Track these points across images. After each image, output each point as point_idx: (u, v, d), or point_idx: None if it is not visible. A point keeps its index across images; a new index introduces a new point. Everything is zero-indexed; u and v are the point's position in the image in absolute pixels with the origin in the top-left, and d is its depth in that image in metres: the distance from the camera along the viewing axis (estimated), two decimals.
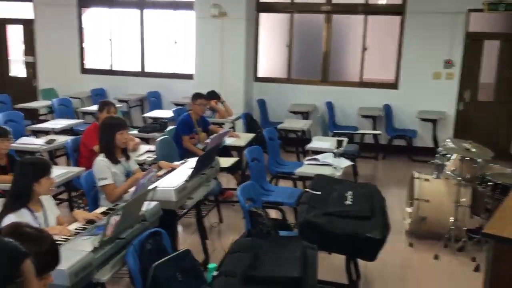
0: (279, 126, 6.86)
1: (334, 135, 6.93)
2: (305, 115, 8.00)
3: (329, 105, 8.07)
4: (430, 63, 7.84)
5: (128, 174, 3.64)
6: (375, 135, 7.80)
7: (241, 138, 5.76)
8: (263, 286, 2.24)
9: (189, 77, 8.45)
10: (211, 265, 2.65)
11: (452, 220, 4.40)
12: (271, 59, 8.79)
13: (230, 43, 7.94)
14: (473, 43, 7.73)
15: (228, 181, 6.11)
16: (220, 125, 6.73)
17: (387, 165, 7.63)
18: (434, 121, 7.77)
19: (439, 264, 4.26)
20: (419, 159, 7.48)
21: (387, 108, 7.97)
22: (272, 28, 8.76)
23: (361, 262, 3.87)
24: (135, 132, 5.79)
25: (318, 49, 8.38)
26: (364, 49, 8.14)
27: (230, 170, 5.34)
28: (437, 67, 7.83)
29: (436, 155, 4.83)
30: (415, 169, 5.26)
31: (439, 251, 4.37)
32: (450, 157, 4.64)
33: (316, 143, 5.62)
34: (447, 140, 4.91)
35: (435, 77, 7.86)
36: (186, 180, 3.36)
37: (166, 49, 9.00)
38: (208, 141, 5.08)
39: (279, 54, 8.62)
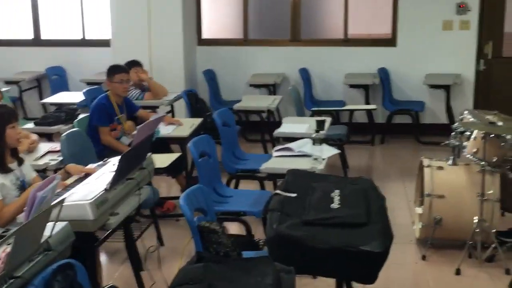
0: (236, 106, 6.86)
1: (313, 114, 6.98)
2: (271, 88, 8.04)
3: (304, 73, 8.14)
4: (437, 9, 8.01)
5: (22, 186, 3.57)
6: (369, 111, 7.92)
7: (183, 125, 5.73)
8: None
9: (104, 43, 8.34)
10: None
11: (477, 221, 4.51)
12: (220, 14, 8.76)
13: None
14: None
15: (169, 187, 6.08)
16: (153, 109, 6.67)
17: (388, 151, 7.77)
18: (447, 88, 7.95)
19: (463, 280, 4.37)
20: (430, 140, 7.64)
21: (384, 74, 8.11)
22: None
23: (357, 286, 3.93)
24: (30, 125, 5.67)
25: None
26: None
27: (170, 171, 5.31)
28: (448, 13, 8.02)
29: (452, 133, 4.93)
30: (425, 155, 5.36)
31: (462, 263, 4.48)
32: (470, 135, 4.74)
33: (288, 126, 5.65)
34: (465, 112, 5.02)
35: (445, 27, 8.04)
36: (105, 189, 3.31)
37: (69, 6, 8.83)
38: (136, 132, 5.03)
39: (232, 7, 8.60)
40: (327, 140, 5.94)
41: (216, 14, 8.74)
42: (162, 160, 4.65)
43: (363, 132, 7.99)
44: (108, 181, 3.38)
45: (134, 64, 6.65)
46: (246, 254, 3.45)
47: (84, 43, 8.80)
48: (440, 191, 4.70)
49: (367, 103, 8.04)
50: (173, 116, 6.89)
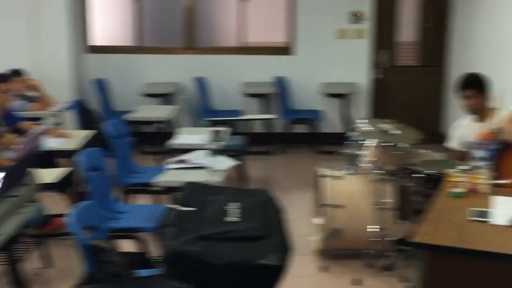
0: (129, 117, 6.74)
1: (210, 124, 6.98)
2: (166, 98, 7.96)
3: (200, 82, 8.11)
4: (332, 18, 8.24)
5: None
6: (267, 121, 7.99)
7: (72, 138, 5.57)
8: None
9: None
10: None
11: (375, 230, 4.65)
12: (110, 19, 8.60)
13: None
14: None
15: (56, 204, 5.86)
16: (37, 120, 6.42)
17: (287, 162, 7.87)
18: (343, 97, 8.18)
19: None
20: (329, 150, 7.80)
21: (281, 82, 8.22)
22: None
23: None
24: None
25: (177, 4, 8.38)
26: (243, 0, 8.30)
27: (58, 186, 5.13)
28: (342, 22, 8.25)
29: (347, 142, 5.05)
30: (324, 164, 5.47)
31: (361, 273, 4.60)
32: (366, 144, 4.88)
33: (184, 137, 5.61)
34: (360, 121, 5.16)
35: (340, 35, 8.27)
36: None
37: None
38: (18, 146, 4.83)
39: (124, 13, 8.46)
40: (224, 151, 5.96)
41: (108, 21, 8.55)
42: (50, 175, 4.50)
43: (261, 142, 8.05)
44: None
45: (17, 73, 6.41)
46: (141, 272, 3.39)
47: None
48: (339, 201, 4.80)
49: (264, 112, 8.11)
50: (62, 128, 6.67)
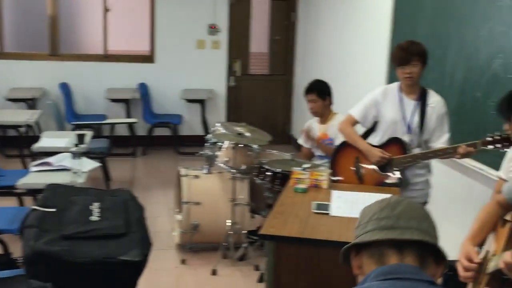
0: None
1: (75, 128, 6.75)
2: (30, 103, 7.58)
3: (65, 88, 7.81)
4: (191, 29, 8.25)
5: None
6: (130, 125, 7.87)
7: None
8: None
9: None
10: None
11: (230, 224, 4.71)
12: None
13: None
14: (240, 3, 8.39)
15: None
16: None
17: (149, 163, 7.79)
18: (202, 102, 8.22)
19: (218, 280, 4.52)
20: (188, 151, 7.81)
21: (143, 88, 8.13)
22: None
23: None
24: None
25: (41, 11, 8.00)
26: (106, 10, 8.10)
27: None
28: (201, 34, 8.29)
29: (205, 144, 5.08)
30: (183, 165, 5.47)
31: (218, 264, 4.64)
32: (222, 145, 4.93)
33: (47, 141, 5.37)
34: (217, 124, 5.21)
35: (199, 46, 8.31)
36: None
37: None
38: None
39: None
40: (88, 154, 5.77)
41: None
42: None
43: (126, 145, 7.90)
44: None
45: None
46: (2, 273, 3.19)
47: None
48: (197, 198, 4.82)
49: (128, 116, 7.97)
50: None
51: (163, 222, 5.60)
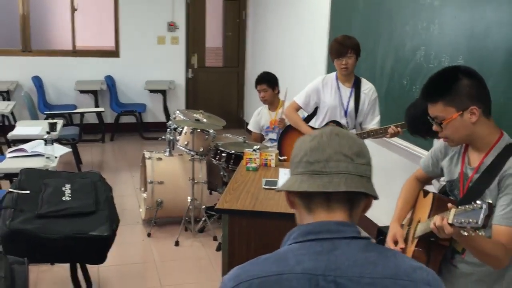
0: None
1: (47, 117, 6.55)
2: (5, 95, 7.34)
3: (37, 81, 7.59)
4: (152, 26, 8.11)
5: None
6: (98, 114, 7.71)
7: None
8: None
9: None
10: None
11: (190, 200, 4.68)
12: None
13: None
14: (196, 3, 8.27)
15: None
16: None
17: (117, 147, 7.66)
18: (163, 92, 8.11)
19: (181, 250, 4.50)
20: (152, 136, 7.73)
21: (110, 80, 7.96)
22: None
23: (92, 266, 3.79)
24: None
25: (13, 10, 7.72)
26: (74, 9, 7.88)
27: None
28: (161, 30, 8.16)
29: (167, 130, 5.02)
30: (147, 148, 5.40)
31: (180, 236, 4.62)
32: (182, 130, 4.88)
33: (22, 129, 5.21)
34: (177, 112, 5.16)
35: (159, 41, 8.18)
36: None
37: None
38: None
39: None
40: (59, 140, 5.63)
41: None
42: None
43: (95, 131, 7.77)
44: None
45: None
46: None
47: None
48: (160, 178, 4.77)
49: (97, 106, 7.80)
50: None
51: (131, 200, 5.53)
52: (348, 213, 1.21)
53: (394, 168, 4.26)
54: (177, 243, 4.55)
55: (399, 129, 3.32)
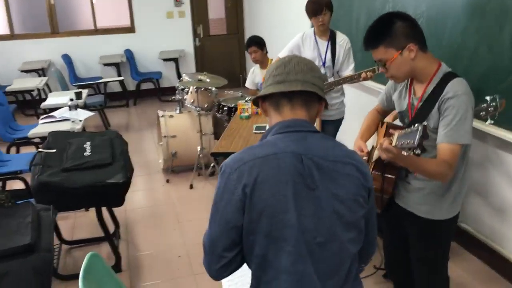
0: (7, 89, 6.08)
1: (77, 88, 6.50)
2: (41, 72, 7.28)
3: (67, 58, 7.49)
4: (161, 3, 7.90)
5: None
6: (122, 83, 7.64)
7: None
8: None
9: None
10: None
11: (199, 149, 4.65)
12: None
13: None
14: None
15: None
16: None
17: (139, 110, 7.61)
18: (175, 60, 7.98)
19: (195, 192, 4.50)
20: (168, 98, 7.65)
21: (129, 53, 7.83)
22: None
23: (119, 209, 3.81)
24: None
25: (40, 0, 7.57)
26: None
27: None
28: (169, 6, 7.95)
29: (176, 91, 4.94)
30: (165, 109, 5.35)
31: (194, 180, 4.61)
32: (188, 90, 4.80)
33: (52, 99, 5.17)
34: (183, 75, 5.06)
35: (168, 16, 7.99)
36: None
37: None
38: None
39: None
40: (88, 107, 5.60)
41: None
42: None
43: (120, 98, 7.72)
44: None
45: None
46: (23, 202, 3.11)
47: None
48: (173, 132, 4.73)
49: (119, 76, 7.70)
50: None
51: (152, 153, 5.52)
52: (307, 113, 1.39)
53: (368, 107, 4.16)
54: (191, 187, 4.55)
55: (371, 73, 3.21)
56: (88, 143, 3.28)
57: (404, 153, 1.57)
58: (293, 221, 1.26)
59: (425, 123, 1.55)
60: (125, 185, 2.93)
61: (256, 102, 1.47)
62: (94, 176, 2.88)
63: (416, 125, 1.52)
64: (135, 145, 5.87)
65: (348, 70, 3.54)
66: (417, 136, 1.49)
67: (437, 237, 2.02)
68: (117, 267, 3.24)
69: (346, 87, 3.85)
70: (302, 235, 1.27)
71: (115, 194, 2.92)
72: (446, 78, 1.82)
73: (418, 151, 1.51)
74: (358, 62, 3.66)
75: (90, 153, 3.14)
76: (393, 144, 1.64)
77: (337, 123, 3.73)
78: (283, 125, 1.37)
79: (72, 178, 2.85)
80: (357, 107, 4.16)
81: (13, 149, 4.86)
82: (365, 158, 2.04)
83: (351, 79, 3.41)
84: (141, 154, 5.53)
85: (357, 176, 1.33)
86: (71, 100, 4.40)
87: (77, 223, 3.94)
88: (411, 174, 1.99)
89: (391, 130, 1.77)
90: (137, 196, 4.45)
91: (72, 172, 2.93)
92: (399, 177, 2.03)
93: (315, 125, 1.43)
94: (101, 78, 7.58)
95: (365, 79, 3.27)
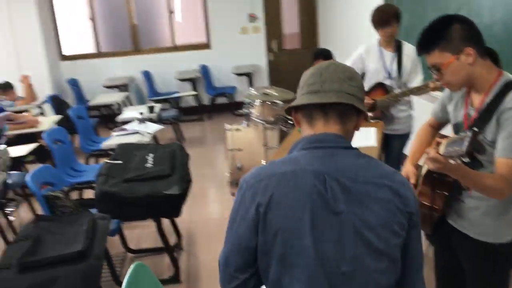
0: (90, 103, 6.48)
1: (154, 102, 6.79)
2: (122, 88, 7.70)
3: (146, 74, 7.86)
4: (236, 19, 8.06)
5: None
6: (196, 97, 7.86)
7: (44, 122, 5.28)
8: (44, 269, 2.06)
9: None
10: None
11: (264, 163, 4.62)
12: (75, 35, 8.20)
13: (21, 22, 7.17)
14: None
15: None
16: (25, 112, 6.11)
17: (213, 124, 7.77)
18: (249, 74, 8.08)
19: None
20: (241, 112, 7.72)
21: (204, 69, 8.05)
22: (69, 2, 8.11)
23: (184, 220, 3.88)
24: None
25: (124, 20, 8.04)
26: (171, 12, 8.04)
27: (39, 158, 4.90)
28: (243, 22, 8.09)
29: (244, 105, 4.99)
30: (237, 123, 5.41)
31: None
32: (255, 104, 4.82)
33: (127, 113, 5.43)
34: (251, 89, 5.10)
35: (243, 32, 8.13)
36: None
37: None
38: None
39: (83, 29, 8.08)
40: (162, 120, 5.81)
41: (73, 36, 8.13)
42: (21, 150, 4.26)
43: (195, 112, 7.95)
44: None
45: (9, 85, 6.10)
46: (92, 211, 3.25)
47: None
48: (239, 146, 4.76)
49: (195, 91, 7.95)
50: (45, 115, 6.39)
51: (221, 166, 5.60)
52: (342, 127, 1.27)
53: None
54: None
55: (439, 83, 3.00)
56: (151, 155, 3.38)
57: (452, 161, 1.44)
58: (309, 249, 1.15)
59: (475, 129, 1.41)
60: (181, 197, 2.97)
61: (288, 111, 1.38)
62: (152, 187, 2.95)
63: (466, 131, 1.39)
64: (207, 158, 5.99)
65: (416, 82, 3.35)
66: (465, 143, 1.36)
67: (494, 263, 1.82)
68: (175, 278, 3.28)
69: (416, 99, 3.65)
70: (320, 264, 1.16)
71: (171, 205, 2.97)
72: (507, 88, 1.64)
73: (467, 159, 1.37)
74: (428, 73, 3.45)
75: (151, 165, 3.23)
76: (441, 152, 1.52)
77: (404, 138, 3.54)
78: (310, 139, 1.27)
79: (131, 189, 2.93)
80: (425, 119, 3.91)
81: (92, 160, 5.16)
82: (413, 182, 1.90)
83: (418, 90, 3.22)
84: (211, 167, 5.62)
85: (393, 201, 1.19)
86: (141, 114, 4.59)
87: (144, 233, 4.06)
88: (465, 192, 1.81)
89: (438, 139, 1.62)
90: (202, 207, 4.51)
91: (133, 183, 3.02)
92: (451, 194, 1.86)
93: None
94: (177, 92, 7.87)
95: (435, 89, 3.07)
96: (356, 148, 1.28)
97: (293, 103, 1.31)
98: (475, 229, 1.81)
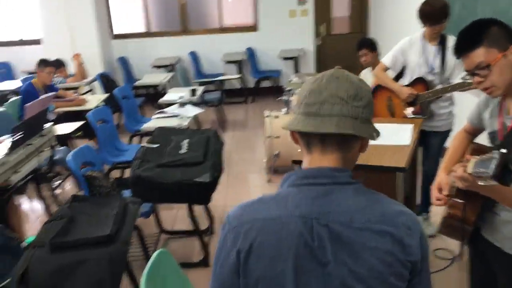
0: (137, 83, 6.64)
1: (199, 84, 6.88)
2: (170, 68, 7.83)
3: (193, 55, 7.95)
4: (285, 2, 7.97)
5: None
6: (241, 80, 7.88)
7: (91, 101, 5.47)
8: (73, 250, 2.17)
9: (37, 42, 7.80)
10: (30, 238, 2.52)
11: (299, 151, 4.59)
12: (126, 15, 8.38)
13: (75, 1, 7.39)
14: None
15: None
16: (75, 89, 6.36)
17: (257, 108, 7.78)
18: (295, 59, 8.00)
19: None
20: (282, 99, 7.67)
21: (250, 51, 8.04)
22: None
23: (219, 204, 3.95)
24: None
25: (173, 1, 8.14)
26: None
27: (86, 134, 5.09)
28: (292, 5, 7.99)
29: (283, 91, 4.96)
30: (280, 108, 5.40)
31: None
32: (295, 91, 4.79)
33: (170, 95, 5.51)
34: (291, 76, 5.06)
35: (291, 15, 8.03)
36: (6, 153, 3.12)
37: (6, 14, 8.19)
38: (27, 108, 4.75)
39: (134, 9, 8.24)
40: (206, 103, 5.87)
41: (124, 15, 8.31)
42: (67, 127, 4.45)
43: (239, 95, 7.99)
44: (8, 147, 3.19)
45: (61, 63, 6.34)
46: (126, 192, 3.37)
47: (21, 42, 8.19)
48: (276, 133, 4.75)
49: (240, 73, 7.97)
50: (92, 93, 6.63)
51: (260, 151, 5.62)
52: (341, 156, 1.13)
53: None
54: None
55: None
56: (186, 141, 3.44)
57: (481, 183, 1.38)
58: None
59: (504, 150, 1.34)
60: (211, 185, 3.01)
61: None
62: (183, 174, 3.01)
63: (494, 151, 1.33)
64: (248, 142, 6.03)
65: (460, 77, 3.21)
66: (492, 166, 1.30)
67: None
68: (204, 262, 3.36)
69: (458, 96, 3.50)
70: None
71: (201, 193, 3.02)
72: None
73: (493, 182, 1.32)
74: None
75: (185, 151, 3.29)
76: (469, 171, 1.45)
77: (444, 135, 3.42)
78: (302, 175, 1.15)
79: (164, 174, 3.01)
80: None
81: (136, 140, 5.31)
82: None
83: (461, 86, 3.08)
84: (251, 151, 5.66)
85: (392, 251, 1.06)
86: (181, 97, 4.65)
87: (180, 214, 4.17)
88: (499, 204, 1.74)
89: (467, 157, 1.55)
90: (239, 192, 4.57)
91: (166, 168, 3.09)
92: (485, 206, 1.78)
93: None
94: (222, 75, 7.92)
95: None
96: (356, 182, 1.14)
97: (289, 125, 1.17)
98: (510, 243, 1.74)
